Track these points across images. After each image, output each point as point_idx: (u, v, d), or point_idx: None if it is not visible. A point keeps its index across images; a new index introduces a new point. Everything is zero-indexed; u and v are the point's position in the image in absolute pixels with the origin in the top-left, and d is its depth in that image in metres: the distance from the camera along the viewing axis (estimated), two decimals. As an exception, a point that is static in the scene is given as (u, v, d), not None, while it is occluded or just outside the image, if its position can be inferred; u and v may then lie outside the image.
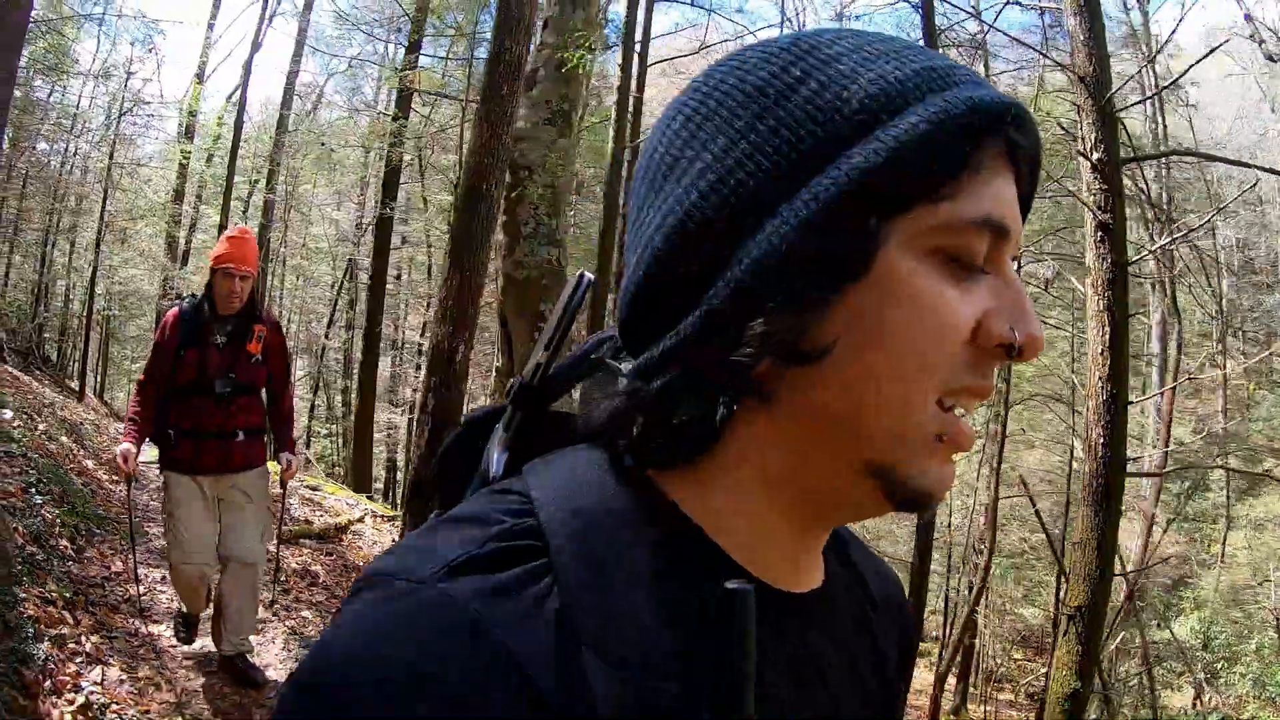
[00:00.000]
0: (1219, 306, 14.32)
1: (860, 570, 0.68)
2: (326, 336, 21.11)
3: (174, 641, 4.04)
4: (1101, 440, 4.54)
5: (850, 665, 0.61)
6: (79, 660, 3.23)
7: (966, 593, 14.24)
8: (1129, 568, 15.11)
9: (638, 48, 7.60)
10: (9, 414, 5.42)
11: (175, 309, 4.11)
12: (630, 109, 7.33)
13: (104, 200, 15.37)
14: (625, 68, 5.59)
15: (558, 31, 8.32)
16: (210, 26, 15.78)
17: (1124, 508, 15.69)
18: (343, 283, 20.59)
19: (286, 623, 4.53)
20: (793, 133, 0.50)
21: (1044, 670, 13.14)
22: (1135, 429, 17.98)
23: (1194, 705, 14.07)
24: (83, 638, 3.39)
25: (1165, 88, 5.55)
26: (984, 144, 0.51)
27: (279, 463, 4.25)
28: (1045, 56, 5.27)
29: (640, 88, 7.35)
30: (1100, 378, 4.54)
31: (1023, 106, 0.53)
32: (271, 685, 3.96)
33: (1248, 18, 7.77)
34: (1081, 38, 4.58)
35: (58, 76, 14.31)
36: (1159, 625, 16.28)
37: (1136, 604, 13.30)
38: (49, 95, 15.22)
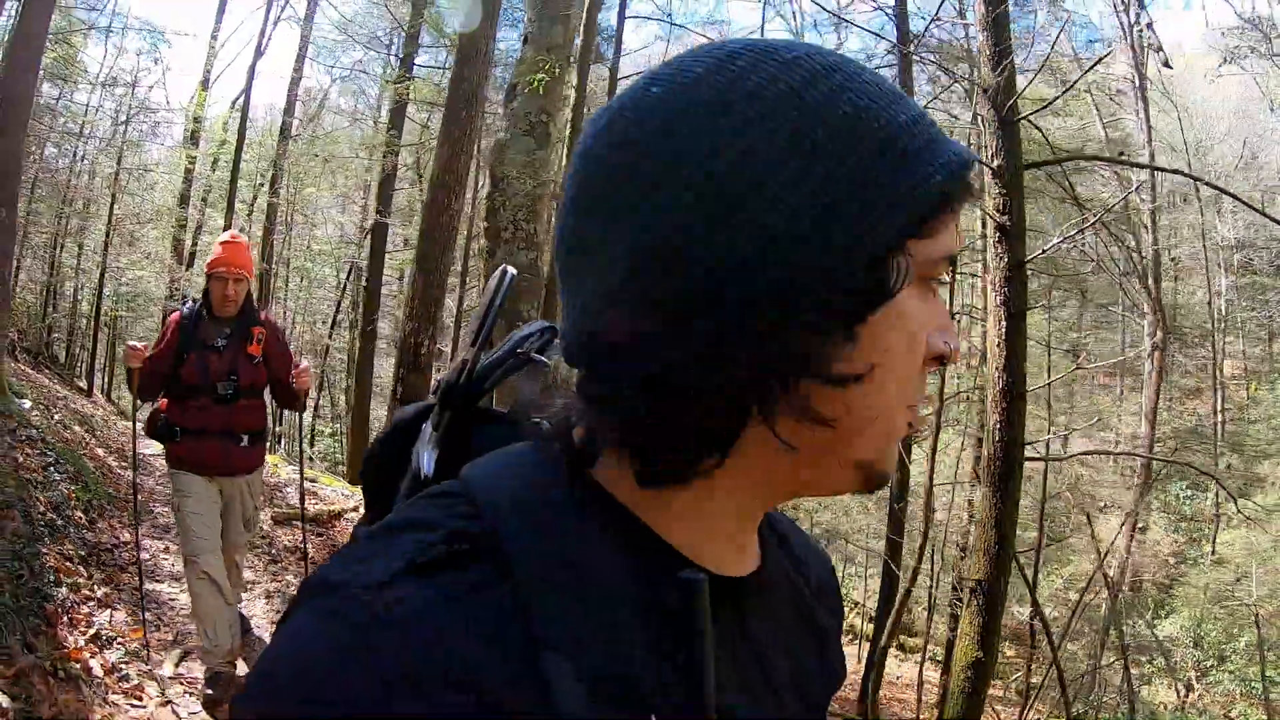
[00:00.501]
0: (1157, 306, 14.83)
1: (797, 553, 0.71)
2: (330, 337, 21.80)
3: (173, 595, 4.71)
4: (999, 426, 5.14)
5: (788, 643, 0.64)
6: (90, 604, 3.91)
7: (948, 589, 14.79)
8: (1114, 566, 15.64)
9: (609, 61, 8.27)
10: (28, 404, 6.14)
11: (177, 313, 4.31)
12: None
13: (112, 204, 16.18)
14: (580, 88, 6.22)
15: (536, 46, 9.01)
16: (214, 35, 16.57)
17: (1109, 505, 16.09)
18: (345, 285, 21.27)
19: (272, 585, 5.20)
20: (844, 160, 0.51)
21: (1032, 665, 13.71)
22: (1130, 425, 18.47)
23: (1182, 704, 14.50)
24: (95, 587, 4.07)
25: (1057, 98, 6.09)
26: (964, 191, 0.56)
27: (296, 378, 4.29)
28: (948, 72, 5.84)
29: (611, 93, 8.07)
30: (997, 368, 5.14)
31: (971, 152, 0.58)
32: (258, 640, 4.32)
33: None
34: (988, 52, 5.18)
35: (66, 84, 15.07)
36: (1146, 624, 16.65)
37: (1120, 602, 13.82)
38: (57, 100, 15.99)
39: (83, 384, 14.57)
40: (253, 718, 0.46)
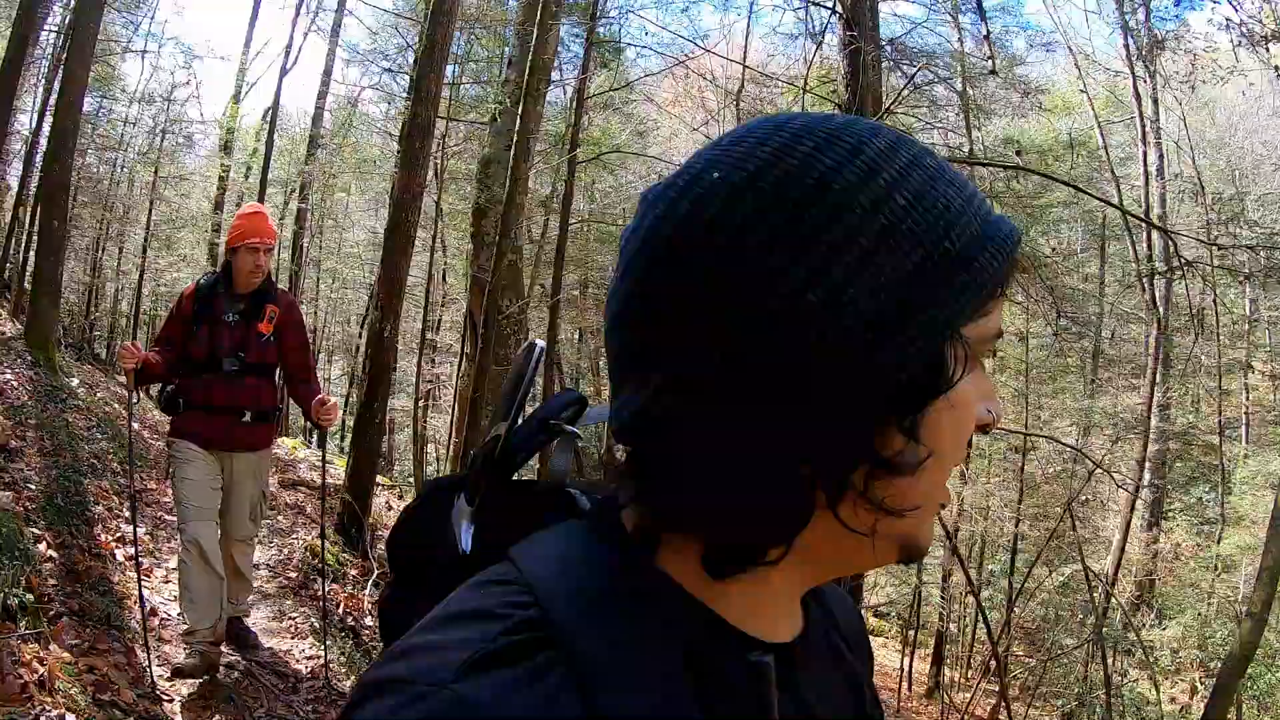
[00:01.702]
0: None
1: (829, 605, 0.74)
2: (360, 335, 23.61)
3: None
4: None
5: (834, 700, 0.68)
6: (118, 520, 5.45)
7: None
8: (1108, 568, 16.48)
9: (575, 81, 9.81)
10: (75, 382, 7.80)
11: (193, 283, 4.45)
12: (571, 140, 9.51)
13: (150, 210, 18.14)
14: (526, 114, 7.64)
15: (518, 70, 10.55)
16: (246, 48, 18.41)
17: (1106, 504, 16.99)
18: (375, 285, 22.96)
19: (272, 539, 6.67)
20: (925, 242, 0.54)
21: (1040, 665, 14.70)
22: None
23: (1182, 709, 15.17)
24: (123, 509, 5.61)
25: (893, 100, 7.25)
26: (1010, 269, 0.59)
27: (316, 413, 4.39)
28: (808, 90, 7.12)
29: (578, 119, 9.52)
30: None
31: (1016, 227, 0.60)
32: (265, 649, 4.64)
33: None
34: (844, 72, 6.51)
35: (106, 99, 17.02)
36: (1130, 623, 17.25)
37: (1097, 599, 14.74)
38: (97, 113, 17.92)
39: (122, 377, 16.46)
40: None
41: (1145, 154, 16.19)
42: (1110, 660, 12.97)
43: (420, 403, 17.32)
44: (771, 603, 0.61)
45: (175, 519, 4.42)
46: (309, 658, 4.66)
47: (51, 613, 3.65)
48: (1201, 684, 16.04)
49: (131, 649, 3.91)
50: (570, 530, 0.61)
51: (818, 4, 6.19)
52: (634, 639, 0.54)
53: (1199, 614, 17.09)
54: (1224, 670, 8.55)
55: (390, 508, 10.11)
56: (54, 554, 4.27)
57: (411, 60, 13.17)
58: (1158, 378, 17.20)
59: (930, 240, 0.54)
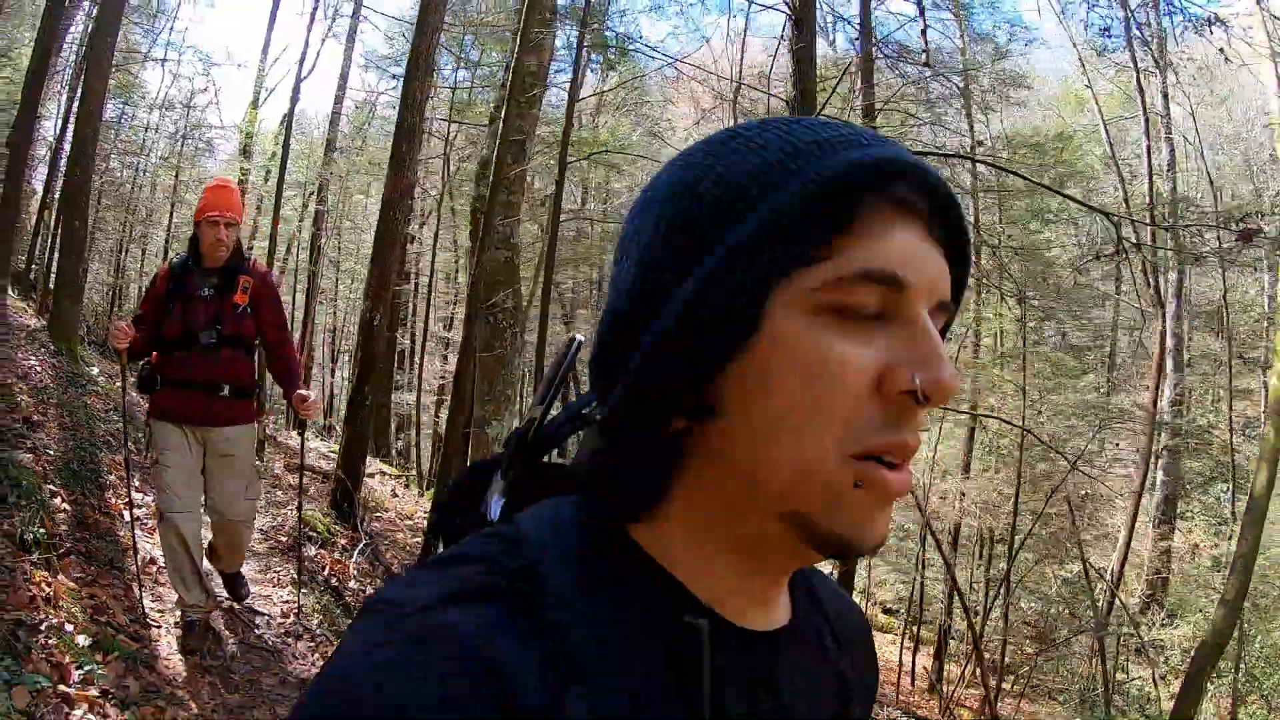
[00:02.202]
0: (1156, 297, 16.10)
1: (826, 608, 0.78)
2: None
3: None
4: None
5: (811, 700, 0.70)
6: (130, 488, 6.15)
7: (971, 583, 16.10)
8: (1113, 564, 16.82)
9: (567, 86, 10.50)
10: (95, 371, 8.56)
11: (165, 265, 4.61)
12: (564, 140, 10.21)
13: (171, 213, 19.05)
14: (508, 118, 8.33)
15: (517, 77, 11.20)
16: (263, 56, 19.26)
17: (1115, 501, 17.32)
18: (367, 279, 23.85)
19: (268, 509, 7.38)
20: (691, 224, 0.61)
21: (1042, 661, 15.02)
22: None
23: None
24: (134, 479, 6.31)
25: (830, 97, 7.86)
26: (858, 204, 0.59)
27: (297, 408, 4.69)
28: (757, 88, 7.69)
29: (569, 122, 10.18)
30: None
31: (909, 161, 0.60)
32: (248, 594, 5.05)
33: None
34: (791, 69, 7.02)
35: (128, 106, 17.95)
36: (1162, 625, 17.41)
37: (1099, 594, 15.07)
38: (119, 117, 18.82)
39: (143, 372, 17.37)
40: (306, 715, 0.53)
41: (1149, 148, 16.53)
42: (1116, 656, 13.17)
43: (435, 398, 18.09)
44: (736, 585, 0.65)
45: (154, 495, 4.68)
46: (285, 602, 5.33)
47: (61, 550, 4.33)
48: (1210, 683, 16.24)
49: (129, 588, 4.58)
50: (567, 502, 0.67)
51: (770, 7, 6.72)
52: (602, 599, 0.60)
53: (1206, 613, 17.31)
54: (1197, 658, 8.81)
55: (396, 495, 10.81)
56: (67, 507, 4.95)
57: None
58: (1167, 371, 17.50)
59: (692, 206, 0.61)
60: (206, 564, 4.63)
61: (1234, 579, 8.86)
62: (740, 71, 11.40)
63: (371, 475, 10.81)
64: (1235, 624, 9.30)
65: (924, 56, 11.89)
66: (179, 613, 4.47)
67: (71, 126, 12.99)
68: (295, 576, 5.61)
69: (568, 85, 13.49)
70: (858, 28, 11.25)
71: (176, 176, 19.06)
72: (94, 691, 3.27)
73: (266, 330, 4.59)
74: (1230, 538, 18.05)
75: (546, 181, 16.29)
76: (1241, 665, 13.37)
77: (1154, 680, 13.37)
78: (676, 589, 0.63)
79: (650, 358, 0.61)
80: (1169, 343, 17.42)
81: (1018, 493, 14.69)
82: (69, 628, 3.60)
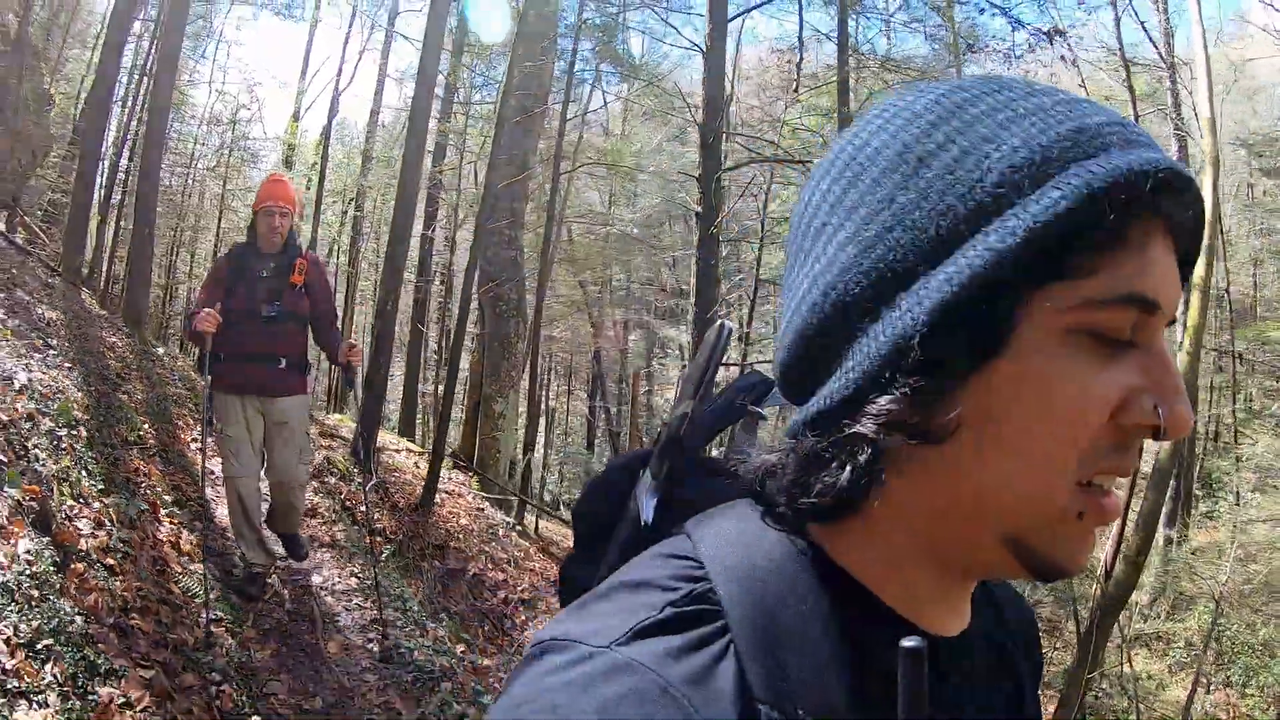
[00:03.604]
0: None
1: (999, 603, 0.79)
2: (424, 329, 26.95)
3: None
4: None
5: (987, 700, 0.72)
6: (194, 430, 8.32)
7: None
8: (1105, 557, 18.09)
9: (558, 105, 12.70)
10: (161, 350, 10.86)
11: (227, 250, 5.37)
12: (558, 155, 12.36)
13: (219, 220, 21.54)
14: (498, 135, 10.39)
15: (520, 94, 13.37)
16: (303, 72, 21.74)
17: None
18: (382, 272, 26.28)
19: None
20: (933, 205, 0.57)
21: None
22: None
23: (1188, 702, 16.41)
24: (196, 428, 8.48)
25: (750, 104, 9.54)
26: (1131, 215, 0.55)
27: (339, 364, 5.35)
28: (686, 104, 9.70)
29: (561, 136, 12.34)
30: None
31: (1179, 170, 0.56)
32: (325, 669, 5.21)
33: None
34: (705, 115, 8.83)
35: (176, 122, 20.51)
36: (1167, 619, 18.50)
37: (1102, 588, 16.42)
38: (169, 130, 21.35)
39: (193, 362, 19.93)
40: None
41: (1215, 149, 17.75)
42: (1122, 648, 14.09)
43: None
44: (931, 594, 0.65)
45: (220, 462, 5.47)
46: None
47: (150, 451, 6.50)
48: (1214, 676, 17.16)
49: (198, 485, 6.74)
50: (744, 510, 0.67)
51: (691, 46, 8.75)
52: (794, 617, 0.60)
53: (1208, 608, 18.28)
54: (1098, 608, 10.01)
55: (418, 467, 12.95)
56: (152, 433, 7.13)
57: (444, 84, 16.12)
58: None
59: (938, 183, 0.57)
60: (268, 531, 5.44)
61: (1136, 536, 10.25)
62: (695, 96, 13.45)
63: (398, 451, 12.97)
64: (1136, 578, 10.57)
65: (912, 64, 13.63)
66: (242, 565, 5.34)
67: (127, 147, 15.55)
68: (329, 505, 7.73)
69: (582, 98, 15.76)
70: (836, 42, 13.16)
71: (224, 185, 21.56)
72: (172, 523, 5.41)
73: (319, 306, 5.31)
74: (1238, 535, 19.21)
75: (582, 185, 18.52)
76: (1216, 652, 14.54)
77: (1130, 669, 14.27)
78: (870, 601, 0.63)
79: (884, 359, 0.58)
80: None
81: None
82: (159, 488, 5.75)
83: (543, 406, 26.58)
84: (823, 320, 0.62)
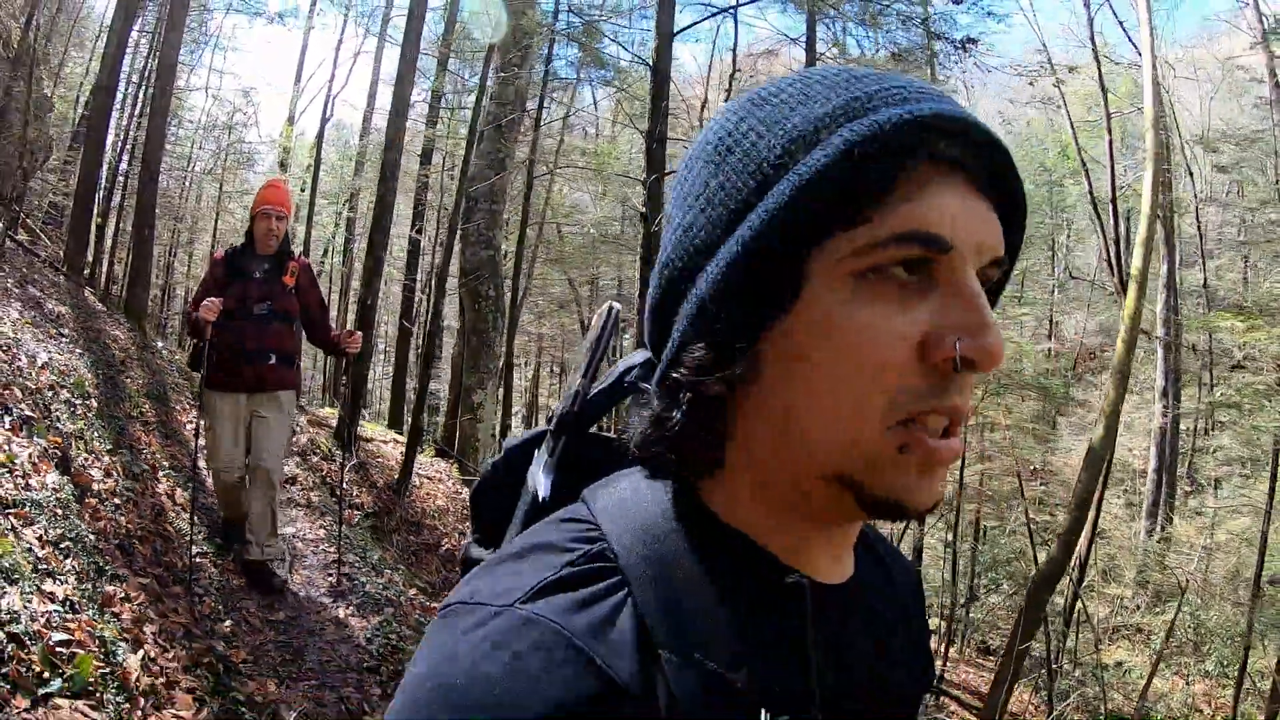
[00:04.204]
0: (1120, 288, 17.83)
1: (884, 559, 0.87)
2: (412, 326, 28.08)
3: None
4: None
5: (885, 642, 0.77)
6: (188, 413, 9.37)
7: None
8: (1079, 549, 18.78)
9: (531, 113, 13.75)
10: (160, 344, 11.94)
11: (221, 251, 5.52)
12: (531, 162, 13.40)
13: (216, 221, 22.68)
14: (469, 143, 11.46)
15: (497, 101, 14.40)
16: (297, 79, 22.88)
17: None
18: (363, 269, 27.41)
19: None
20: (732, 185, 0.65)
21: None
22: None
23: (1144, 688, 16.97)
24: (189, 411, 9.53)
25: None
26: (902, 162, 0.61)
27: (339, 342, 5.71)
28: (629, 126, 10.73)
29: (535, 142, 13.41)
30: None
31: (946, 114, 0.62)
32: (289, 593, 5.75)
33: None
34: (650, 123, 9.57)
35: (173, 127, 21.64)
36: (1149, 610, 19.03)
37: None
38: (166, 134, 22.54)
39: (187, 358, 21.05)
40: (416, 714, 0.57)
41: (1110, 143, 18.69)
42: (1033, 625, 14.67)
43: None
44: (806, 541, 0.70)
45: (206, 456, 5.93)
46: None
47: (150, 424, 7.56)
48: (1192, 668, 17.62)
49: (191, 457, 7.80)
50: (634, 474, 0.73)
51: (640, 60, 9.78)
52: (686, 567, 0.65)
53: (1190, 599, 18.88)
54: (1031, 588, 10.28)
55: (400, 454, 13.98)
56: (151, 411, 8.19)
57: (430, 92, 17.18)
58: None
59: (735, 162, 0.65)
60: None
61: (1069, 515, 10.64)
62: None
63: (386, 441, 14.01)
64: (1069, 558, 10.80)
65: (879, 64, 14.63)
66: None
67: (126, 150, 16.66)
68: (309, 482, 8.78)
69: (565, 101, 16.79)
70: (804, 47, 14.15)
71: (221, 188, 22.73)
72: (168, 482, 6.47)
73: (311, 307, 5.70)
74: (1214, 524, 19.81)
75: (575, 185, 19.56)
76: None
77: (1099, 657, 14.37)
78: (754, 549, 0.68)
79: (694, 319, 0.66)
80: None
81: (961, 478, 16.78)
82: (158, 455, 6.81)
83: (536, 401, 27.67)
84: (661, 294, 0.70)
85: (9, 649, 2.95)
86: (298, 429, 11.15)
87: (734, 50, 10.61)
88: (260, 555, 5.58)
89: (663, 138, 8.84)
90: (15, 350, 5.84)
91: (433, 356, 10.25)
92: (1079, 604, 13.94)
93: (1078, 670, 14.21)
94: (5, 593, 3.18)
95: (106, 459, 5.50)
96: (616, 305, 0.86)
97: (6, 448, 4.27)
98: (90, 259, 17.30)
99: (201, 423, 5.90)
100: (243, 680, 4.23)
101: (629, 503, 0.70)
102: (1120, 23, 18.03)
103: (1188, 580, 15.56)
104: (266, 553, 5.62)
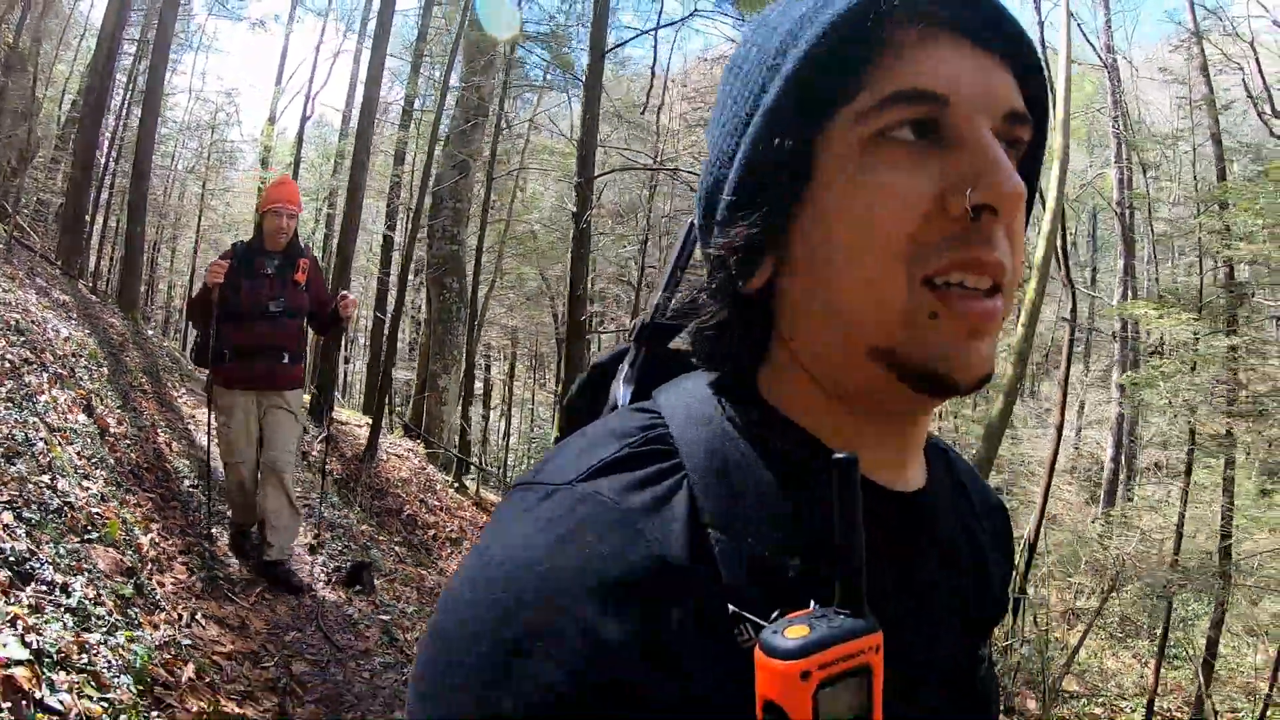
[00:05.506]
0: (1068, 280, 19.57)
1: (961, 478, 0.90)
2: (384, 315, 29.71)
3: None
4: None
5: (952, 564, 0.79)
6: (182, 390, 11.06)
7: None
8: (1028, 531, 20.37)
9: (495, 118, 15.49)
10: (150, 332, 13.66)
11: (230, 248, 5.78)
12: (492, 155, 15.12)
13: (199, 217, 24.37)
14: (430, 148, 13.07)
15: (463, 106, 16.09)
16: (278, 78, 24.55)
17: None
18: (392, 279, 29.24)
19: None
20: (748, 89, 0.72)
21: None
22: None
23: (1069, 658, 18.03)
24: (180, 386, 11.22)
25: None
26: (885, 26, 0.66)
27: (341, 308, 5.85)
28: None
29: (495, 142, 15.13)
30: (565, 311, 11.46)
31: None
32: (310, 592, 6.17)
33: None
34: (582, 132, 11.14)
35: (160, 126, 23.39)
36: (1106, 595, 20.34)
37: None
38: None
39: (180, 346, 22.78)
40: (471, 591, 0.61)
41: (1066, 146, 20.13)
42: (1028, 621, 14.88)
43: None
44: (864, 438, 0.73)
45: (220, 451, 6.11)
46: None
47: (149, 395, 9.28)
48: (1146, 651, 18.40)
49: (184, 423, 9.49)
50: (700, 374, 0.78)
51: (575, 80, 11.48)
52: (742, 455, 0.69)
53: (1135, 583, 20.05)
54: None
55: (365, 428, 15.65)
56: (151, 390, 9.88)
57: (404, 95, 18.93)
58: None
59: (745, 72, 0.74)
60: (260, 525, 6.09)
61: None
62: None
63: (361, 425, 15.65)
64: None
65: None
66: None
67: (114, 149, 18.32)
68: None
69: (532, 102, 18.43)
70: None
71: (204, 186, 24.46)
72: (166, 437, 8.19)
73: (319, 301, 5.91)
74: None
75: (549, 183, 21.16)
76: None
77: (1044, 638, 15.50)
78: (807, 437, 0.72)
79: (725, 219, 0.73)
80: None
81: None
82: (156, 418, 8.52)
83: (512, 394, 29.27)
84: (704, 211, 0.78)
85: (66, 511, 4.62)
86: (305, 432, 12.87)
87: (653, 68, 12.23)
88: (279, 556, 5.91)
89: (592, 145, 10.44)
90: (44, 326, 7.51)
91: (395, 341, 11.88)
92: (1026, 586, 14.30)
93: (1025, 647, 14.39)
94: (60, 479, 4.87)
95: (118, 411, 7.18)
96: (696, 220, 0.85)
97: (50, 392, 5.95)
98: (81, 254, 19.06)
99: (213, 418, 6.10)
100: (225, 564, 5.91)
101: (690, 395, 0.75)
102: (1078, 24, 19.61)
103: (1123, 562, 16.78)
104: (285, 553, 5.95)
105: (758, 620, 0.60)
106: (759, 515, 0.66)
